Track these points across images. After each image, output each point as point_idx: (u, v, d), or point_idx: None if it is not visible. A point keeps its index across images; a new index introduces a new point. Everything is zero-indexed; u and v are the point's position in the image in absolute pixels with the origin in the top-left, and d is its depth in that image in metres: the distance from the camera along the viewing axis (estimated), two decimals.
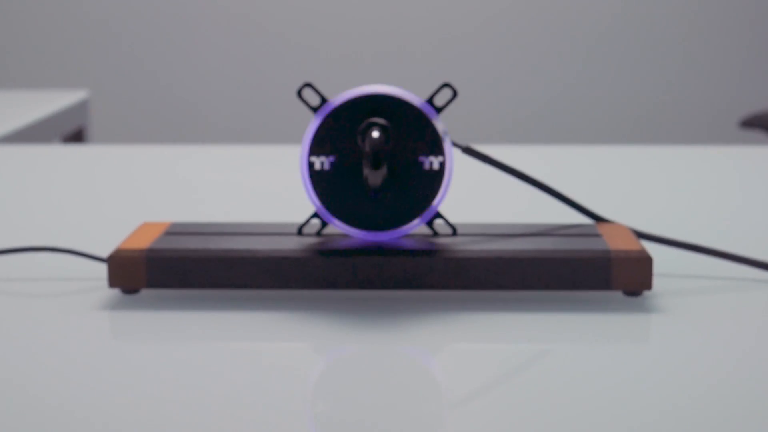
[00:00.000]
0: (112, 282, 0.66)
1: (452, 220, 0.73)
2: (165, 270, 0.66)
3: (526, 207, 0.87)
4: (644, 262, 0.65)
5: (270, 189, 0.98)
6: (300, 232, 0.70)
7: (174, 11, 3.13)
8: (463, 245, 0.67)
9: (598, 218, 0.73)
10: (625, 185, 0.99)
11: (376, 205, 0.67)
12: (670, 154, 1.15)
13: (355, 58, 3.21)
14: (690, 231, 0.83)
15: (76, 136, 1.91)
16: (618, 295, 0.67)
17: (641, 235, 0.73)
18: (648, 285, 0.65)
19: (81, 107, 1.92)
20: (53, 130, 1.79)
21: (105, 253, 0.78)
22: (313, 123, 0.67)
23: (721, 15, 3.14)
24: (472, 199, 0.90)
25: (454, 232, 0.69)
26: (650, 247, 0.78)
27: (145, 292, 0.68)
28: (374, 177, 0.65)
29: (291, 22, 3.17)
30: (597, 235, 0.69)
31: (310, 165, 0.67)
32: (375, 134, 0.65)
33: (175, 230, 0.71)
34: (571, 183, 1.01)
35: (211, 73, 3.16)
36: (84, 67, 3.10)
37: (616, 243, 0.67)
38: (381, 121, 0.66)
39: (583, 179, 1.02)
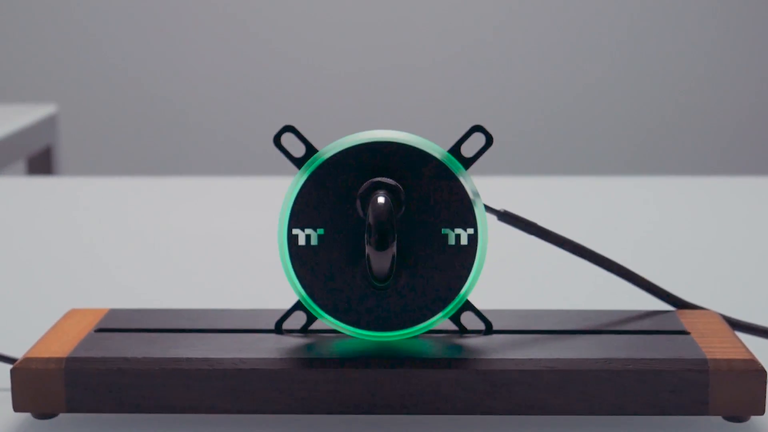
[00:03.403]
0: (18, 404, 0.48)
1: (486, 308, 0.54)
2: (91, 388, 0.48)
3: (580, 285, 0.69)
4: (755, 378, 0.47)
5: (257, 241, 0.80)
6: (279, 328, 0.51)
7: (156, 13, 2.94)
8: (501, 349, 0.49)
9: (678, 303, 0.55)
10: (668, 228, 0.81)
11: (383, 295, 0.49)
12: (715, 186, 0.97)
13: (354, 92, 2.95)
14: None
15: (43, 157, 1.73)
16: (717, 421, 0.49)
17: (735, 325, 0.55)
18: (760, 408, 0.47)
19: (49, 123, 1.74)
20: (17, 150, 1.62)
21: (26, 346, 0.59)
22: (296, 181, 0.49)
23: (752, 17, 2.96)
24: (511, 279, 0.71)
25: (489, 329, 0.51)
26: (745, 339, 0.59)
27: (64, 417, 0.50)
28: (380, 260, 0.47)
29: (278, 39, 2.97)
30: (682, 332, 0.51)
31: (292, 239, 0.49)
32: (380, 200, 0.47)
33: (109, 323, 0.53)
34: (592, 223, 0.83)
35: (199, 83, 2.97)
36: (52, 78, 2.88)
37: (712, 345, 0.49)
38: (389, 180, 0.48)
39: (607, 217, 0.84)
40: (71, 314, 0.54)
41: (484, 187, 0.53)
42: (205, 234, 0.82)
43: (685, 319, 0.53)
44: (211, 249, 0.78)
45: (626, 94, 2.98)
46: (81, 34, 2.95)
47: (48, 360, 0.48)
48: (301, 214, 0.49)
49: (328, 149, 0.49)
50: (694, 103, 3.00)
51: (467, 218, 0.49)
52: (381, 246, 0.46)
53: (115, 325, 0.52)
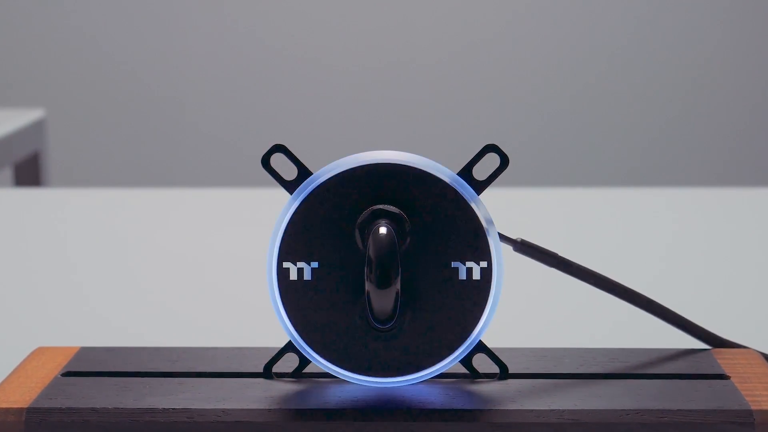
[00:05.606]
0: None
1: (500, 348, 0.49)
2: None
3: (605, 321, 0.63)
4: None
5: (253, 263, 0.75)
6: (268, 372, 0.46)
7: (150, 16, 2.90)
8: (518, 398, 0.44)
9: (714, 340, 0.50)
10: (690, 247, 0.76)
11: (385, 337, 0.44)
12: (742, 199, 0.91)
13: (353, 108, 2.87)
14: None
15: (31, 164, 1.69)
16: None
17: None
18: None
19: (36, 128, 1.70)
20: (3, 158, 1.57)
21: None
22: (288, 209, 0.44)
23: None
24: (529, 317, 0.65)
25: (505, 373, 0.46)
26: None
27: None
28: (381, 298, 0.42)
29: (273, 45, 2.93)
30: (721, 376, 0.46)
31: (282, 273, 0.44)
32: (382, 230, 0.42)
33: (79, 365, 0.47)
34: (607, 239, 0.77)
35: (195, 87, 2.92)
36: (40, 81, 2.83)
37: (756, 393, 0.44)
38: (392, 208, 0.43)
39: (625, 233, 0.79)
40: (37, 354, 0.49)
41: (493, 200, 0.48)
42: (195, 256, 0.77)
43: (723, 359, 0.48)
44: (200, 273, 0.73)
45: (645, 101, 2.91)
46: (71, 35, 2.90)
47: (7, 411, 0.43)
48: (292, 245, 0.44)
49: (323, 172, 0.44)
50: (717, 111, 2.93)
51: (480, 250, 0.44)
52: (383, 283, 0.41)
53: (85, 367, 0.47)
